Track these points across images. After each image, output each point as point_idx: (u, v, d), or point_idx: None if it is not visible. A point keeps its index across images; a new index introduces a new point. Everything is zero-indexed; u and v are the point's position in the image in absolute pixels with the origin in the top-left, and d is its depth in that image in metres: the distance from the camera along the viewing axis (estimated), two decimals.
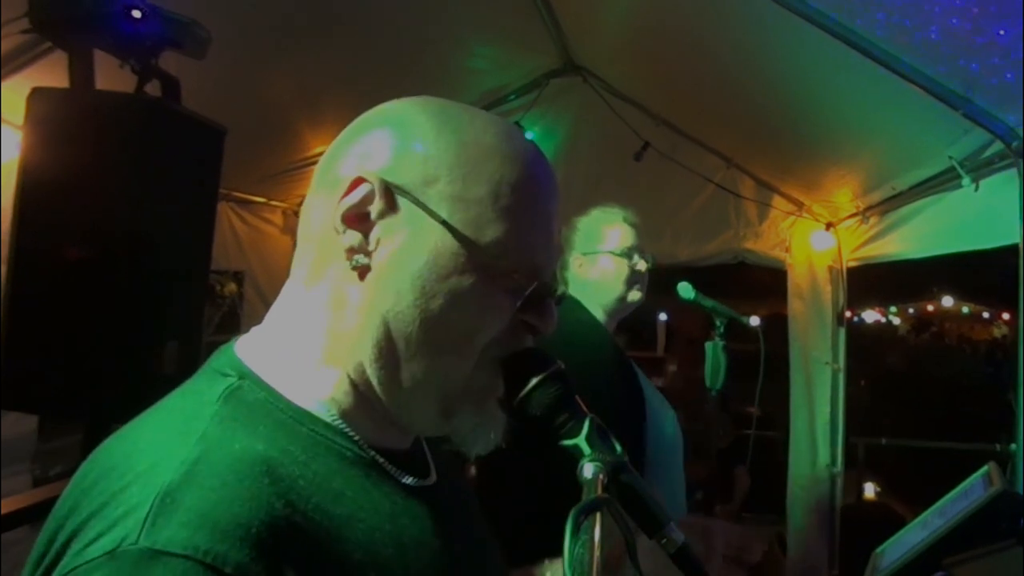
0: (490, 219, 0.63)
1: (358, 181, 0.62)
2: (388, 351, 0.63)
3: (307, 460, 0.59)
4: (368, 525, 0.60)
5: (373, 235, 0.63)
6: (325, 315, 0.65)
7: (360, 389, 0.65)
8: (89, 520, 0.53)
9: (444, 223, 0.62)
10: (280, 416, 0.62)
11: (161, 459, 0.55)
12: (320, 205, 0.65)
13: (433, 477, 0.72)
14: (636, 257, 1.92)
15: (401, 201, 0.63)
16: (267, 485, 0.55)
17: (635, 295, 1.93)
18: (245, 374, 0.64)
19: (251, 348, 0.67)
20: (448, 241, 0.62)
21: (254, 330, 0.69)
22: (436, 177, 0.63)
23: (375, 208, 0.62)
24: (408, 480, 0.67)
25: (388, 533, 0.61)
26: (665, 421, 1.96)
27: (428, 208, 0.62)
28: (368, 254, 0.63)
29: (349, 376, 0.65)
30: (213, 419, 0.59)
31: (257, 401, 0.62)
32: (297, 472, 0.58)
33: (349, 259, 0.63)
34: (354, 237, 0.62)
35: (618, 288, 1.90)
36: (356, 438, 0.64)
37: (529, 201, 0.65)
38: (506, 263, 0.63)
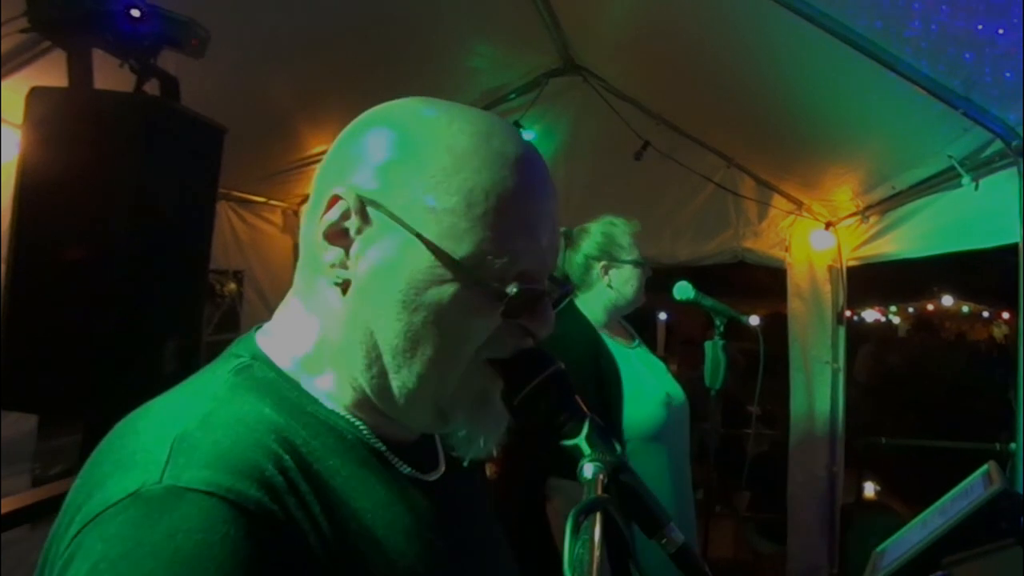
0: (465, 229, 0.62)
1: (335, 198, 0.63)
2: (376, 362, 0.64)
3: (308, 437, 0.61)
4: (360, 505, 0.61)
5: (353, 250, 0.64)
6: (317, 325, 0.67)
7: (358, 391, 0.66)
8: (110, 472, 0.54)
9: (418, 236, 0.62)
10: (287, 394, 0.64)
11: (175, 415, 0.58)
12: (308, 218, 0.67)
13: (440, 471, 0.72)
14: (644, 267, 2.16)
15: (376, 215, 0.63)
16: (273, 440, 0.58)
17: (641, 299, 2.17)
18: (258, 356, 0.67)
19: (267, 340, 0.69)
20: (424, 253, 0.62)
21: (269, 324, 0.71)
22: (406, 189, 0.63)
23: (352, 224, 0.63)
24: (407, 470, 0.67)
25: (380, 517, 0.62)
26: (660, 412, 2.01)
27: (403, 222, 0.62)
28: (348, 269, 0.64)
29: (347, 380, 0.66)
30: (224, 385, 0.63)
31: (267, 379, 0.65)
32: (299, 442, 0.60)
33: (331, 275, 0.64)
34: (336, 253, 0.64)
35: (630, 293, 2.13)
36: (359, 425, 0.66)
37: (508, 207, 0.63)
38: (485, 271, 0.62)
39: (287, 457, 0.57)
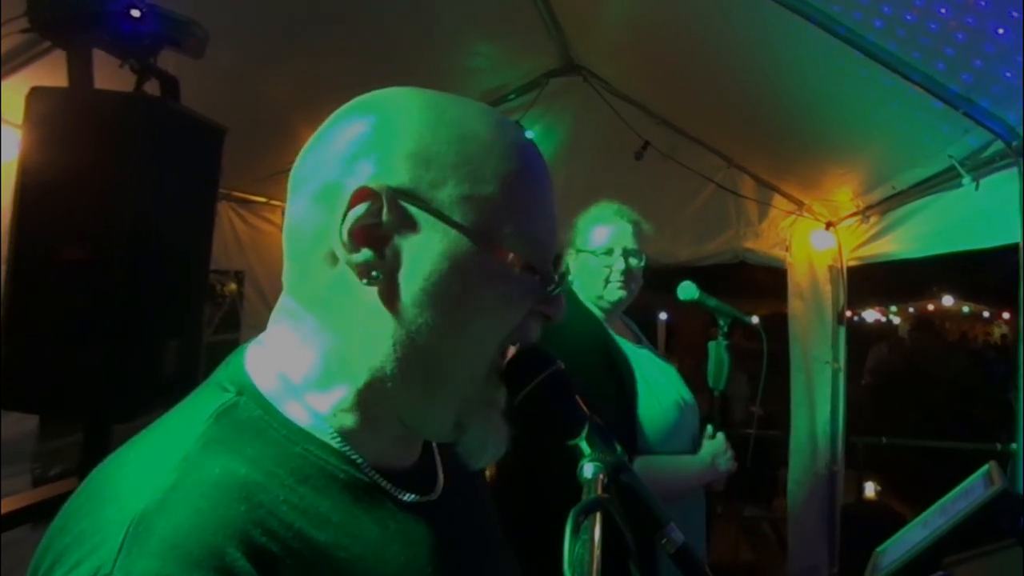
0: (503, 217, 0.61)
1: (363, 193, 0.58)
2: (413, 363, 0.61)
3: (294, 483, 0.58)
4: (351, 553, 0.58)
5: (387, 249, 0.59)
6: (334, 333, 0.62)
7: (368, 406, 0.62)
8: (71, 544, 0.52)
9: (460, 227, 0.59)
10: (273, 435, 0.60)
11: (139, 484, 0.54)
12: (312, 216, 0.62)
13: (438, 491, 0.70)
14: (615, 256, 1.91)
15: (412, 210, 0.59)
16: (243, 512, 0.54)
17: (615, 293, 1.92)
18: (245, 388, 0.62)
19: (258, 358, 0.65)
20: (466, 245, 0.59)
21: (262, 337, 0.67)
22: (443, 180, 0.60)
23: (386, 221, 0.59)
24: (408, 498, 0.64)
25: (371, 562, 0.59)
26: (672, 413, 1.91)
27: (443, 214, 0.59)
28: (382, 269, 0.59)
29: (358, 393, 0.62)
30: (198, 441, 0.57)
31: (251, 420, 0.60)
32: (282, 496, 0.56)
33: (363, 277, 0.59)
34: (365, 253, 0.59)
35: (596, 286, 1.92)
36: (354, 458, 0.62)
37: (533, 192, 0.64)
38: (523, 258, 0.62)
39: (256, 532, 0.53)
